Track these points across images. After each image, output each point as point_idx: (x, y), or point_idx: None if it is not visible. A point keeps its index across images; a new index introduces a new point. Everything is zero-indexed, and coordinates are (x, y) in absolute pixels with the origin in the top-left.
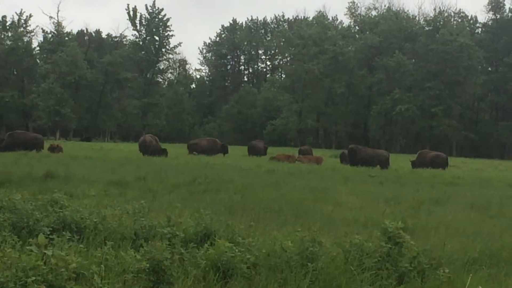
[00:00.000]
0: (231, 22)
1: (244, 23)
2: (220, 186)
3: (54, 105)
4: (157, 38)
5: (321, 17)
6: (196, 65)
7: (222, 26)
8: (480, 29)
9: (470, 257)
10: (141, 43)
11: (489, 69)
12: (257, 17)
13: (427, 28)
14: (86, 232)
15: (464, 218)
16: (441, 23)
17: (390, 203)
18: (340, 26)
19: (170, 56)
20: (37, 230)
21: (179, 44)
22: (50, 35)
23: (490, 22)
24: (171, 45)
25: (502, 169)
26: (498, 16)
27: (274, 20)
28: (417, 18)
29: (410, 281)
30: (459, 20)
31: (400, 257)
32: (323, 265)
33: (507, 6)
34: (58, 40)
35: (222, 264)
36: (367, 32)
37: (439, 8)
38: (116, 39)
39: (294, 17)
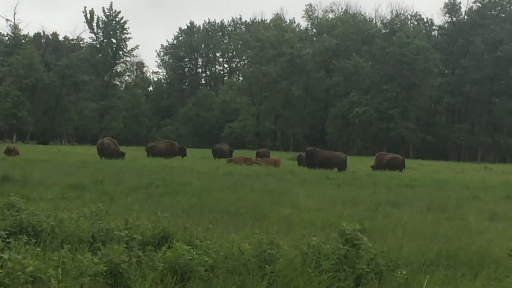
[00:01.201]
0: (189, 24)
1: (201, 25)
2: (177, 189)
3: (10, 108)
4: (114, 40)
5: (278, 19)
6: (153, 67)
7: (180, 28)
8: (436, 32)
9: (427, 258)
10: (98, 45)
11: (446, 71)
12: (214, 19)
13: (384, 31)
14: (43, 236)
15: (421, 220)
16: (398, 26)
17: (347, 205)
18: (297, 29)
19: (128, 58)
20: None
21: (137, 46)
22: (6, 38)
23: (446, 25)
24: (129, 48)
25: (458, 171)
26: (454, 19)
27: (232, 22)
28: (374, 21)
29: (368, 283)
30: (416, 23)
31: (357, 259)
32: (281, 267)
33: (463, 9)
34: (14, 42)
35: (179, 267)
36: (324, 35)
37: (396, 11)
38: (73, 42)
39: (252, 20)
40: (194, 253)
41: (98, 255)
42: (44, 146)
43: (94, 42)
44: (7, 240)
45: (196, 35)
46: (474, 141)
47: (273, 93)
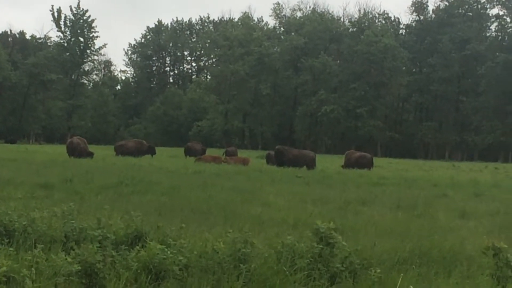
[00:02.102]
0: (156, 23)
1: (169, 24)
2: (147, 188)
3: None
4: (82, 39)
5: (246, 18)
6: (121, 66)
7: (148, 27)
8: (403, 31)
9: (400, 257)
10: (65, 44)
11: (413, 70)
12: (182, 18)
13: (352, 30)
14: (15, 235)
15: (392, 218)
16: (366, 24)
17: (317, 204)
18: (265, 28)
19: (95, 57)
20: None
21: (104, 45)
22: None
23: (413, 24)
24: (96, 47)
25: (426, 169)
26: (422, 18)
27: (200, 21)
28: (342, 20)
29: (342, 282)
30: (383, 21)
31: (331, 258)
32: (256, 266)
33: (430, 8)
34: None
35: (154, 266)
36: (293, 33)
37: (364, 9)
38: (40, 41)
39: (220, 19)
40: (168, 252)
41: (71, 255)
42: (12, 145)
43: (62, 41)
44: None
45: (164, 34)
46: (442, 139)
47: (242, 91)
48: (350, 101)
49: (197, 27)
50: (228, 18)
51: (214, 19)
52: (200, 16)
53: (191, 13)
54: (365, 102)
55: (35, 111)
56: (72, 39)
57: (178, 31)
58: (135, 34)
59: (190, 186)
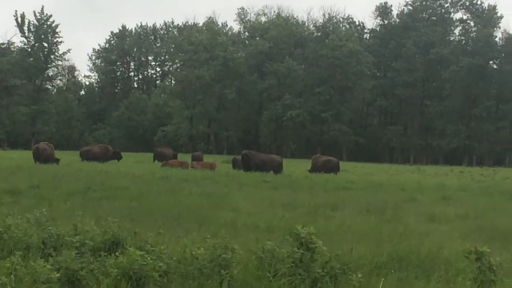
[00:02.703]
0: (121, 28)
1: (133, 29)
2: (115, 193)
3: None
4: (46, 44)
5: (211, 23)
6: (85, 71)
7: (112, 32)
8: (368, 35)
9: (378, 261)
10: (29, 49)
11: (378, 74)
12: (146, 23)
13: (316, 34)
14: None
15: (363, 223)
16: (330, 29)
17: (287, 208)
18: (230, 32)
19: (59, 62)
20: None
21: (68, 50)
22: None
23: (378, 28)
24: (60, 52)
25: (392, 173)
26: (386, 22)
27: (164, 26)
28: (306, 24)
29: (323, 287)
30: (348, 26)
31: (312, 263)
32: (237, 272)
33: (394, 12)
34: None
35: (134, 273)
36: (257, 38)
37: (328, 14)
38: (3, 46)
39: (184, 23)
40: (148, 258)
41: (49, 262)
42: None
43: (25, 46)
44: None
45: (128, 39)
46: (407, 143)
47: (207, 96)
48: (315, 106)
49: (162, 32)
50: (192, 23)
51: (178, 24)
52: (164, 21)
53: (155, 18)
54: (330, 107)
55: None
56: (36, 44)
57: (142, 36)
58: (99, 39)
59: (158, 192)
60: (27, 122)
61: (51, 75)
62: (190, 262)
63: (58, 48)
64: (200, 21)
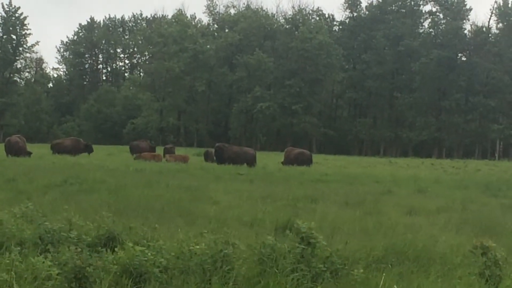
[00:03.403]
0: (89, 20)
1: (102, 21)
2: (93, 186)
3: None
4: (14, 36)
5: (180, 15)
6: (53, 64)
7: (80, 24)
8: (337, 27)
9: (375, 255)
10: None
11: (347, 66)
12: (115, 15)
13: (286, 26)
14: None
15: (346, 216)
16: (300, 21)
17: (266, 201)
18: (199, 25)
19: (28, 55)
20: None
21: (37, 43)
22: None
23: (347, 20)
24: (29, 44)
25: (364, 165)
26: (355, 14)
27: (132, 18)
28: (276, 17)
29: (324, 282)
30: (317, 18)
31: (313, 258)
32: (238, 268)
33: (363, 5)
34: None
35: (134, 269)
36: (226, 30)
37: (298, 6)
38: None
39: (153, 16)
40: (149, 254)
41: (48, 258)
42: None
43: None
44: None
45: (96, 31)
46: (377, 135)
47: (176, 88)
48: (286, 98)
49: (130, 24)
50: (161, 15)
51: (147, 16)
52: (133, 13)
53: (123, 10)
54: (301, 99)
55: None
56: (4, 36)
57: (110, 28)
58: (67, 31)
59: (135, 185)
60: None
61: (20, 68)
62: (188, 258)
63: (26, 40)
64: (169, 14)
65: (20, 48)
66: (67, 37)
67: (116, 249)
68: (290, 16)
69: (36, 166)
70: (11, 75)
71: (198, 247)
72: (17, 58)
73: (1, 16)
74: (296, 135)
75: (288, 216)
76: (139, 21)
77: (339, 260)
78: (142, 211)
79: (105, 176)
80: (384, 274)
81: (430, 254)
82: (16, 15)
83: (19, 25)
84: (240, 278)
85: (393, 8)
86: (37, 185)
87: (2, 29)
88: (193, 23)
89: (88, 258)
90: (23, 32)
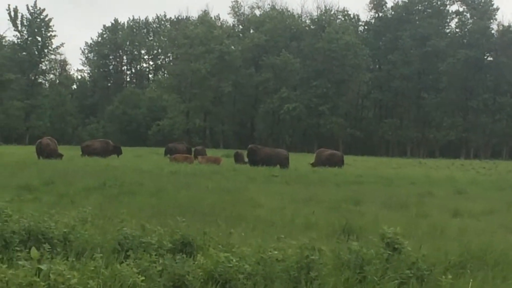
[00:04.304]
0: (113, 22)
1: (126, 23)
2: (132, 189)
3: None
4: (39, 38)
5: (205, 16)
6: (77, 66)
7: (104, 26)
8: (362, 28)
9: (451, 260)
10: (23, 43)
11: (371, 67)
12: (139, 16)
13: (312, 27)
14: (56, 243)
15: (396, 219)
16: (326, 22)
17: (309, 204)
18: (224, 25)
19: (53, 56)
20: (12, 242)
21: (62, 44)
22: None
23: (372, 21)
24: (54, 46)
25: (395, 166)
26: (381, 15)
27: (156, 19)
28: (301, 17)
29: None
30: (343, 18)
31: (399, 264)
32: (325, 274)
33: (389, 5)
34: None
35: (219, 275)
36: (251, 31)
37: (323, 7)
38: None
39: (177, 17)
40: (234, 260)
41: (129, 264)
42: None
43: (19, 40)
44: (17, 248)
45: (120, 33)
46: (403, 136)
47: (202, 90)
48: (312, 99)
49: (154, 26)
50: (185, 17)
51: (171, 18)
52: (156, 15)
53: (147, 12)
54: (327, 100)
55: None
56: (30, 38)
57: (135, 30)
58: (91, 33)
59: (174, 187)
60: (21, 116)
61: (45, 69)
62: (270, 264)
63: (51, 42)
64: (193, 15)
65: (45, 50)
66: (91, 38)
67: (197, 255)
68: (316, 17)
69: (71, 169)
70: (36, 77)
71: (276, 252)
72: (42, 60)
73: (26, 18)
74: (322, 136)
75: (342, 219)
76: (163, 22)
77: (425, 266)
78: (190, 215)
79: (142, 178)
80: (471, 280)
81: (509, 258)
82: (41, 17)
83: (44, 27)
84: (327, 285)
85: (419, 8)
86: (77, 188)
87: (27, 31)
88: (219, 24)
89: (183, 265)
90: (48, 34)
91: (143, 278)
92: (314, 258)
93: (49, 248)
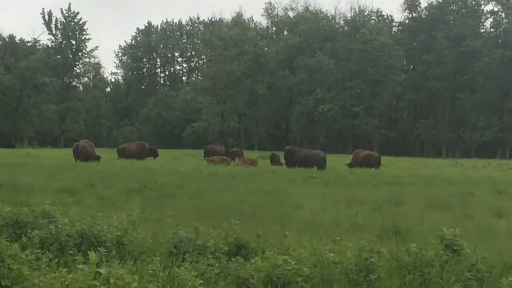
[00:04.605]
0: (146, 25)
1: (159, 25)
2: (173, 192)
3: None
4: (73, 42)
5: (239, 18)
6: (110, 68)
7: (137, 29)
8: (396, 28)
9: (507, 262)
10: (57, 47)
11: (405, 68)
12: (172, 19)
13: (346, 28)
14: (109, 247)
15: (442, 219)
16: (361, 22)
17: (351, 205)
18: (258, 27)
19: (87, 59)
20: (67, 246)
21: (96, 47)
22: None
23: (406, 21)
24: (88, 49)
25: (432, 167)
26: (415, 15)
27: (189, 22)
28: (335, 18)
29: None
30: (377, 19)
31: (458, 265)
32: (384, 276)
33: (423, 5)
34: None
35: (277, 278)
36: (285, 33)
37: (357, 7)
38: (31, 44)
39: (210, 19)
40: (293, 263)
41: (187, 268)
42: (11, 150)
43: (53, 44)
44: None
45: (154, 35)
46: (438, 136)
47: (237, 92)
48: (347, 100)
49: (187, 28)
50: (218, 19)
51: (204, 20)
52: (190, 17)
53: (181, 14)
54: (362, 101)
55: (28, 114)
56: (64, 41)
57: (168, 32)
58: (125, 36)
59: (215, 189)
60: (56, 120)
61: (79, 73)
62: (327, 266)
63: (86, 45)
64: (226, 17)
65: (80, 53)
66: (125, 41)
67: (252, 258)
68: (350, 18)
69: (110, 172)
70: (71, 80)
71: (332, 254)
72: (76, 63)
73: (60, 21)
74: (357, 137)
75: (387, 220)
76: (196, 24)
77: (485, 268)
78: (234, 217)
79: (181, 180)
80: None
81: None
82: (75, 20)
83: (78, 30)
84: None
85: (453, 8)
86: (117, 191)
87: (61, 34)
88: (252, 26)
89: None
90: (83, 37)
91: (201, 281)
92: (373, 260)
93: (104, 252)
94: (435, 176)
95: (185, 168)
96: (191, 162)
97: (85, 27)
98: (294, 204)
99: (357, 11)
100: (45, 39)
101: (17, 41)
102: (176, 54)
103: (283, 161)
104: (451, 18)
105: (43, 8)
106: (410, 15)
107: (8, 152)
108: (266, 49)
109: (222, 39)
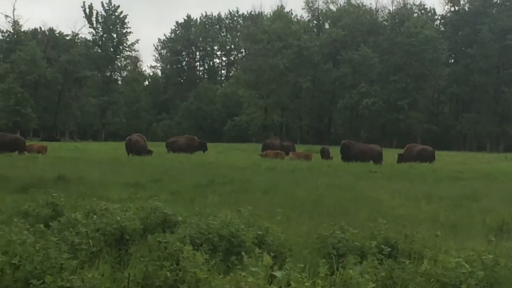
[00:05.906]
0: (186, 18)
1: (198, 19)
2: (242, 187)
3: (14, 105)
4: (114, 35)
5: (281, 11)
6: (149, 62)
7: (177, 22)
8: (439, 21)
9: None
10: (98, 40)
11: (449, 61)
12: (211, 12)
13: (390, 21)
14: (249, 247)
15: None
16: (405, 16)
17: (431, 201)
18: (301, 21)
19: (128, 53)
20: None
21: (137, 41)
22: (7, 34)
23: (449, 14)
24: (129, 42)
25: (483, 161)
26: (457, 8)
27: (229, 15)
28: (378, 11)
29: None
30: (419, 13)
31: None
32: None
33: None
34: (15, 39)
35: (449, 281)
36: (326, 26)
37: (400, 1)
38: (72, 37)
39: (249, 13)
40: (467, 266)
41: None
42: (56, 143)
43: (94, 37)
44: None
45: (193, 29)
46: (481, 130)
47: (280, 85)
48: (391, 94)
49: (227, 21)
50: (258, 12)
51: (243, 13)
52: (229, 10)
53: (220, 8)
54: (407, 95)
55: (69, 108)
56: (105, 35)
57: (207, 26)
58: (164, 29)
59: (284, 184)
60: (96, 113)
61: (120, 66)
62: (490, 268)
63: (126, 38)
64: (266, 10)
65: (121, 47)
66: (164, 35)
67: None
68: (394, 11)
69: (168, 166)
70: (112, 73)
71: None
72: (117, 56)
73: (101, 15)
74: (400, 131)
75: (486, 217)
76: (235, 18)
77: None
78: (327, 213)
79: (245, 175)
80: None
81: None
82: (116, 13)
83: (119, 24)
84: None
85: (497, 1)
86: (186, 185)
87: (102, 27)
88: (296, 19)
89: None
90: (124, 31)
91: (374, 285)
92: None
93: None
94: (494, 171)
95: (238, 163)
96: (242, 156)
97: (126, 21)
98: (373, 200)
99: (401, 4)
100: (86, 32)
101: (59, 35)
102: (215, 47)
103: (332, 155)
104: (494, 11)
105: (84, 2)
106: (453, 8)
107: (56, 146)
108: (314, 41)
109: (266, 32)
